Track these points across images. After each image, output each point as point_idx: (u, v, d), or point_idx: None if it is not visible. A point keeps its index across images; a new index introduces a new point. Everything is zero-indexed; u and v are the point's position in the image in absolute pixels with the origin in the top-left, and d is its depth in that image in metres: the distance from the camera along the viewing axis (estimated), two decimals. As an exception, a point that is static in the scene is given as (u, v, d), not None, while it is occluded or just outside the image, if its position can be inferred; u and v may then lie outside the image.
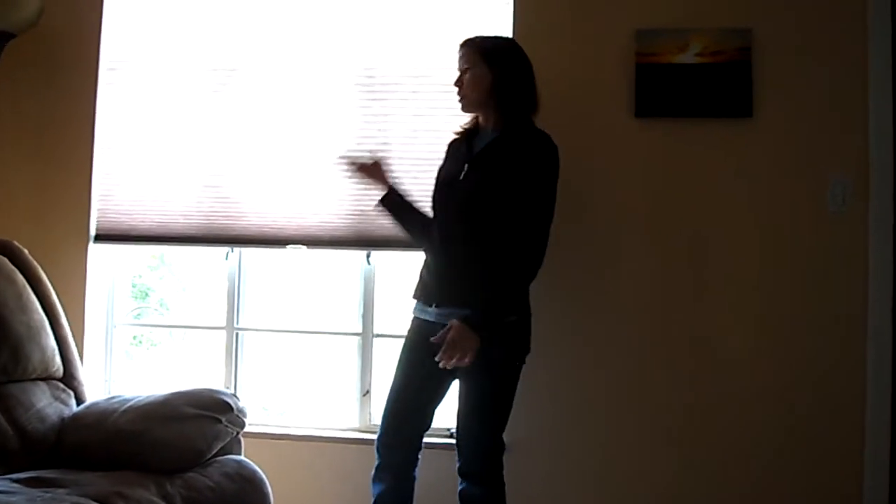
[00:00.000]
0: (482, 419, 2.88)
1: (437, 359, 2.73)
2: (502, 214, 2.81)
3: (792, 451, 3.29)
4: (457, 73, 2.95)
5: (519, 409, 2.94)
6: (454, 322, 2.73)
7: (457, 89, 2.94)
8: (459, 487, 2.91)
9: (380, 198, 3.15)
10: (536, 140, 2.86)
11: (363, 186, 3.49)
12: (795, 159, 3.31)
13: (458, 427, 2.91)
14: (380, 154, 3.29)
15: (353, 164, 3.18)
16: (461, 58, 2.94)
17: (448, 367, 2.74)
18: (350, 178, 3.32)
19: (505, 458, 2.91)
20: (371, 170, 3.17)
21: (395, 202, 3.14)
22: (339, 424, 3.65)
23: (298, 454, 3.54)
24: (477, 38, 2.96)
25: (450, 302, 2.86)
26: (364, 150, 3.49)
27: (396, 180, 3.19)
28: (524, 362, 2.91)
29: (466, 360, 2.71)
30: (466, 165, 2.91)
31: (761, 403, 3.31)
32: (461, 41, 2.96)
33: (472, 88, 2.90)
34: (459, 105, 2.96)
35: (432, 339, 2.76)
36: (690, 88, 3.32)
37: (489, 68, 2.87)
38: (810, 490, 3.27)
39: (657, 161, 3.38)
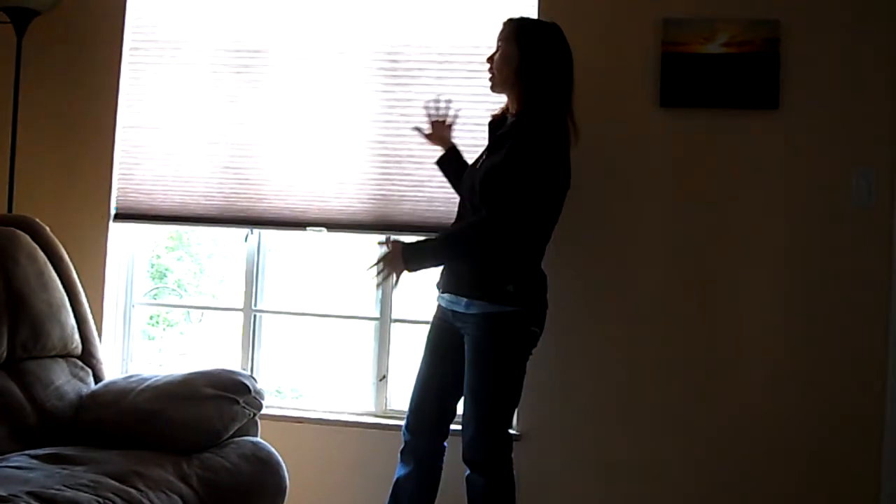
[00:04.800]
0: (478, 410, 2.78)
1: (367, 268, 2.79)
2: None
3: (806, 446, 3.28)
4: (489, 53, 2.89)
5: (532, 400, 2.92)
6: (395, 240, 2.78)
7: (488, 66, 2.87)
8: (465, 473, 2.87)
9: (438, 158, 3.17)
10: (538, 126, 2.72)
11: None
12: (820, 153, 3.28)
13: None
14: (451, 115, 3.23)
15: (429, 115, 3.18)
16: (499, 34, 2.86)
17: (375, 281, 2.80)
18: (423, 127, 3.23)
19: (517, 448, 2.89)
20: (440, 127, 3.17)
21: (451, 165, 3.15)
22: (355, 408, 3.65)
23: (314, 437, 3.54)
24: (520, 17, 2.88)
25: (451, 288, 2.85)
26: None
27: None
28: (530, 354, 2.84)
29: (392, 279, 2.77)
30: (485, 153, 2.89)
31: (776, 399, 3.29)
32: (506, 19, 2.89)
33: (498, 67, 2.83)
34: (489, 84, 2.89)
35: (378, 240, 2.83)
36: (716, 79, 3.29)
37: (518, 48, 2.78)
38: (825, 486, 3.27)
39: (681, 151, 3.36)
